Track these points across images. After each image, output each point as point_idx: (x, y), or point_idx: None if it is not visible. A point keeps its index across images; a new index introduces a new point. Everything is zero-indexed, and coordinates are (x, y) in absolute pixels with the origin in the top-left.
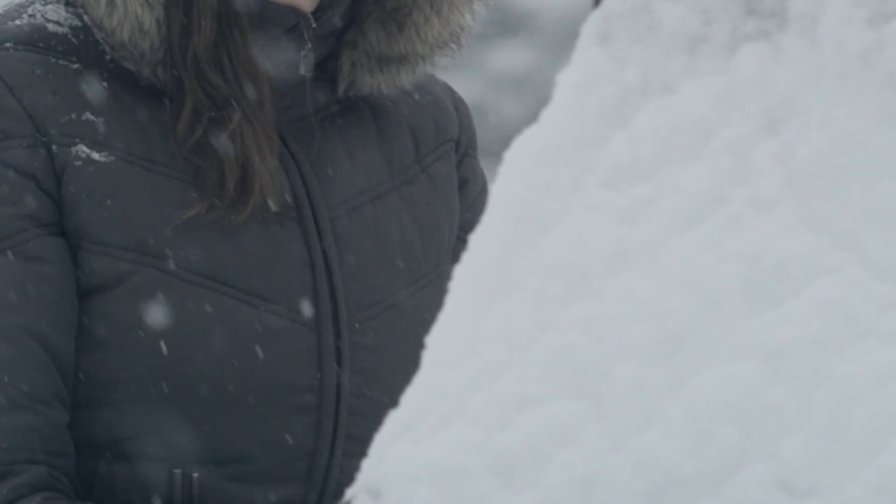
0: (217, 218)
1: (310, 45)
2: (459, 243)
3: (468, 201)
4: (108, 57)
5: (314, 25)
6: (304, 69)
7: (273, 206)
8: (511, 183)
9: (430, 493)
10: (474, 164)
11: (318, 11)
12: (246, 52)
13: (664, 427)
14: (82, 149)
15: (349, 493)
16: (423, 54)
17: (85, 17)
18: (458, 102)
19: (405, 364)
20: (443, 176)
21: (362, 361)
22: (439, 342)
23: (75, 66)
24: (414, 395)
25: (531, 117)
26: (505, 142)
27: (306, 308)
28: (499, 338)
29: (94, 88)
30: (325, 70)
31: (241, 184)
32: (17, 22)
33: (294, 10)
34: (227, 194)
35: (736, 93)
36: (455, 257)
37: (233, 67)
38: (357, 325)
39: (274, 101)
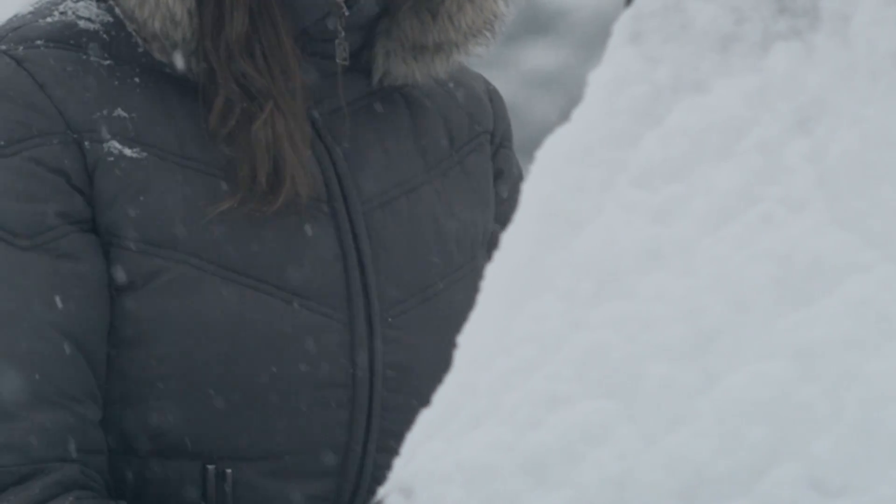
0: (249, 210)
1: (343, 34)
2: (495, 235)
3: (504, 193)
4: (140, 51)
5: (346, 13)
6: (339, 57)
7: (305, 197)
8: (543, 182)
9: (461, 493)
10: (510, 156)
11: (351, 0)
12: (278, 41)
13: (696, 426)
14: (114, 145)
15: (381, 491)
16: (457, 42)
17: (116, 11)
18: (492, 94)
19: (439, 357)
20: (477, 168)
21: (395, 356)
22: (471, 341)
23: (107, 62)
24: (445, 395)
25: (563, 116)
26: (536, 141)
27: (339, 303)
28: (530, 337)
29: (126, 84)
30: (359, 60)
31: (272, 175)
32: (48, 19)
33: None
34: (259, 186)
35: (767, 92)
36: (490, 250)
37: (265, 57)
38: (390, 320)
39: (307, 93)
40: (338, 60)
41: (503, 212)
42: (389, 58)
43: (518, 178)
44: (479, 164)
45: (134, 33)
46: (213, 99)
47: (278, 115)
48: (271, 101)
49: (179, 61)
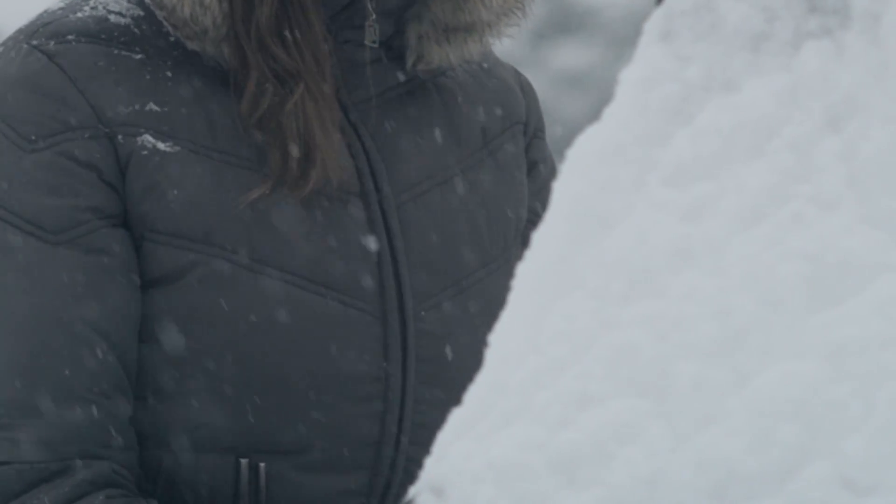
0: (280, 197)
1: (374, 17)
2: (529, 226)
3: (538, 184)
4: (171, 42)
5: None
6: (368, 39)
7: (335, 182)
8: (573, 181)
9: (492, 491)
10: (543, 146)
11: None
12: (308, 24)
13: (726, 425)
14: (147, 139)
15: (412, 490)
16: (490, 22)
17: (147, 3)
18: (524, 85)
19: (472, 351)
20: (510, 159)
21: (428, 349)
22: (502, 340)
23: (138, 56)
24: (476, 393)
25: (593, 115)
26: (567, 139)
27: (372, 296)
28: (561, 336)
29: (157, 78)
30: (392, 50)
31: (303, 159)
32: (79, 14)
33: None
34: (290, 170)
35: (798, 90)
36: (525, 241)
37: (294, 41)
38: (423, 313)
39: (339, 80)
40: (366, 42)
41: (538, 203)
42: (422, 42)
43: (552, 168)
44: (512, 156)
45: (164, 21)
46: (245, 84)
47: (308, 98)
48: (302, 84)
49: (210, 47)
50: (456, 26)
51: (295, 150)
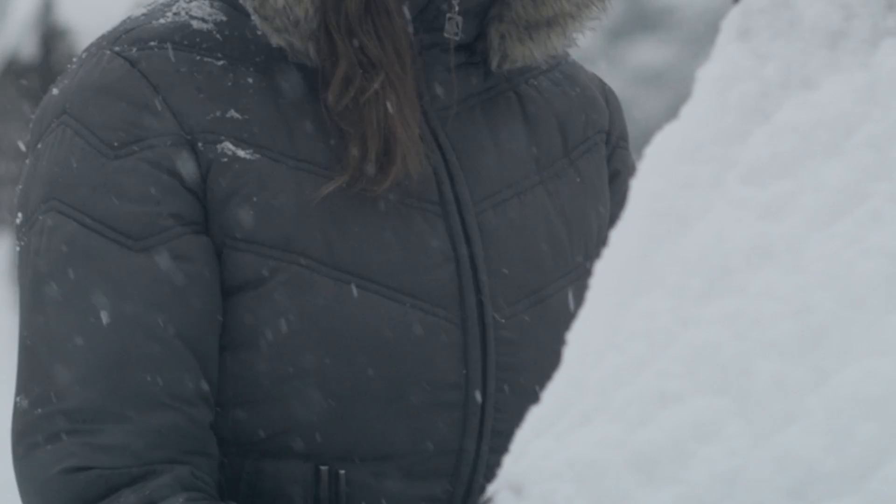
0: (360, 205)
1: (457, 9)
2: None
3: (620, 193)
4: (253, 48)
5: None
6: (449, 32)
7: (415, 188)
8: (651, 179)
9: (571, 489)
10: (626, 156)
11: None
12: (390, 21)
13: (806, 423)
14: (227, 146)
15: (491, 488)
16: (571, 13)
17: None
18: (608, 93)
19: (551, 359)
20: (591, 168)
21: (508, 357)
22: (580, 338)
23: (220, 62)
24: (555, 392)
25: (671, 113)
26: (645, 138)
27: (452, 304)
28: (640, 334)
29: (239, 85)
30: (475, 52)
31: (382, 153)
32: (161, 21)
33: None
34: (369, 165)
35: (877, 88)
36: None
37: (377, 34)
38: (503, 321)
39: (422, 86)
40: (446, 35)
41: (619, 212)
42: (505, 40)
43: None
44: (593, 165)
45: (253, 12)
46: (333, 74)
47: (390, 90)
48: (383, 74)
49: (298, 41)
50: (538, 21)
51: (375, 144)
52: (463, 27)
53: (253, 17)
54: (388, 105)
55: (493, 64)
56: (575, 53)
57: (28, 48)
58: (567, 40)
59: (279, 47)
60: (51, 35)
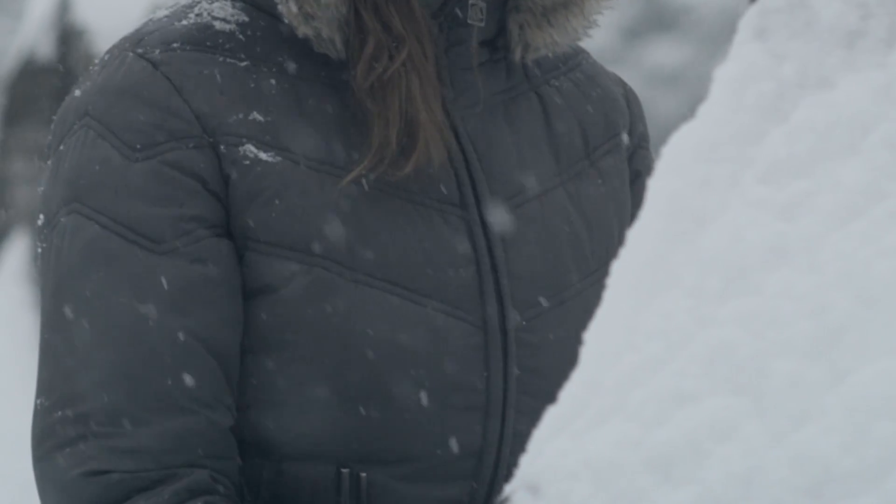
0: (382, 206)
1: None
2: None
3: (642, 194)
4: (276, 48)
5: None
6: (472, 18)
7: (436, 165)
8: (668, 178)
9: (588, 489)
10: (647, 156)
11: None
12: (409, 9)
13: (823, 422)
14: (250, 148)
15: (508, 488)
16: None
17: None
18: (629, 94)
19: (572, 360)
20: (612, 170)
21: (529, 359)
22: (597, 338)
23: (243, 63)
24: (572, 391)
25: (688, 113)
26: (662, 137)
27: (473, 306)
28: (657, 333)
29: (261, 87)
30: (497, 48)
31: (405, 135)
32: (184, 22)
33: None
34: (390, 147)
35: (894, 87)
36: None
37: (399, 13)
38: (524, 323)
39: (446, 85)
40: (469, 21)
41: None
42: (524, 30)
43: None
44: (614, 167)
45: (279, 2)
46: (362, 52)
47: (413, 72)
48: (406, 50)
49: (325, 28)
50: (554, 4)
51: (396, 125)
52: (485, 26)
53: (280, 6)
54: (412, 88)
55: (517, 55)
56: (591, 53)
57: (45, 48)
58: (587, 21)
59: (305, 39)
60: (68, 35)
